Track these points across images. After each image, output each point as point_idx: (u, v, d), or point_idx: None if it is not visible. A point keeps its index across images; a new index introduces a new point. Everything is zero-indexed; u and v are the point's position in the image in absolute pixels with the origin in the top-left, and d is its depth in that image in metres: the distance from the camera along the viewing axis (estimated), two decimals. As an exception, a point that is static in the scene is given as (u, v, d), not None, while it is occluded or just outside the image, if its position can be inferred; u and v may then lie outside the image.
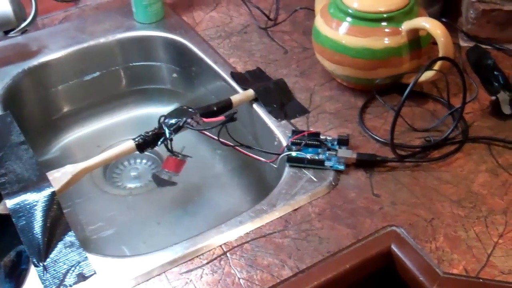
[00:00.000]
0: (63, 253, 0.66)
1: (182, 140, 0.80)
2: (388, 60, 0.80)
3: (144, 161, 0.99)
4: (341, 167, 0.73)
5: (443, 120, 0.80)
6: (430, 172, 0.73)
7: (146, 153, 0.80)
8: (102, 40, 1.02)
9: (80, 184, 0.80)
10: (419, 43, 0.80)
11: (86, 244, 0.85)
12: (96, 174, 0.96)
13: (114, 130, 1.04)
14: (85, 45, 1.01)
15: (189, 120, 0.78)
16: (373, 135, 0.78)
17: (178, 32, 1.02)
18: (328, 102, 0.85)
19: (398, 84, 0.83)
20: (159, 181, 0.88)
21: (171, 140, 0.79)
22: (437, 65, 0.78)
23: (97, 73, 1.02)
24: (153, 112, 1.06)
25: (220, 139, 0.76)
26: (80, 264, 0.65)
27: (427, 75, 0.80)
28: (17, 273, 0.75)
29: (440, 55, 0.76)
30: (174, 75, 1.05)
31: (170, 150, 0.81)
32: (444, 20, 0.90)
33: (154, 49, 1.04)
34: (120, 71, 1.04)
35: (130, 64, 1.04)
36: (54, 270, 0.64)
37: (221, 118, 0.75)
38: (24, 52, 1.00)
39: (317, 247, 0.64)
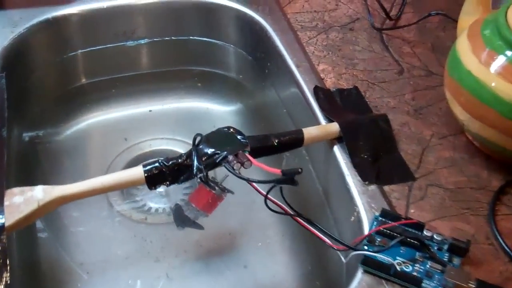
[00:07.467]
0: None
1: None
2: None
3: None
4: (447, 298, 0.45)
5: None
6: None
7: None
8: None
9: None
10: None
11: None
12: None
13: (152, 121, 0.78)
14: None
15: (230, 158, 0.51)
16: (506, 248, 0.49)
17: (259, 9, 0.75)
18: (446, 170, 0.56)
19: None
20: (180, 219, 0.62)
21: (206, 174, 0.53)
22: None
23: (145, 40, 0.77)
24: (208, 107, 0.80)
25: (270, 198, 0.50)
26: None
27: None
28: None
29: None
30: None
31: (203, 180, 0.55)
32: None
33: (223, 24, 0.78)
34: (174, 43, 0.78)
35: (190, 38, 0.78)
36: None
37: (277, 171, 0.48)
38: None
39: None
